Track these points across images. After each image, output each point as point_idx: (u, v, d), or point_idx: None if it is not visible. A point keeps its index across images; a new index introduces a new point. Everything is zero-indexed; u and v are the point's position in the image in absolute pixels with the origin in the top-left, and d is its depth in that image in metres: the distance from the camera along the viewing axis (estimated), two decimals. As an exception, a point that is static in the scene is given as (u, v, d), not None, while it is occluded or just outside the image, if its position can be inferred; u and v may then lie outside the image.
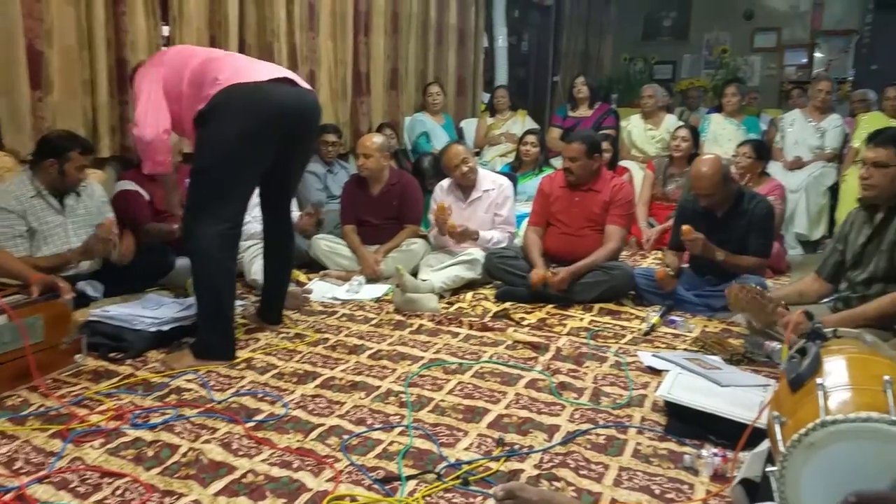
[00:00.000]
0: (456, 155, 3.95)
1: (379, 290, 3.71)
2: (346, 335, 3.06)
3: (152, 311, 2.95)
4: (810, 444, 1.13)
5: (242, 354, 2.77)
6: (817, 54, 8.58)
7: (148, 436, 2.10)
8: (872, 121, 5.03)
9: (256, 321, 3.13)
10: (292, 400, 2.38)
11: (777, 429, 1.23)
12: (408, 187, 4.10)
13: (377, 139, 4.10)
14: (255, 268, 3.31)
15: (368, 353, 2.84)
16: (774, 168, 5.13)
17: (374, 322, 3.25)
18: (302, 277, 3.90)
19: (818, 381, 1.21)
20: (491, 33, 6.92)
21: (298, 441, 2.09)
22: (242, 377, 2.57)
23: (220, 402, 2.34)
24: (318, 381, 2.54)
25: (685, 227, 3.36)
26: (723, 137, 5.51)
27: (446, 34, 6.17)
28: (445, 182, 4.10)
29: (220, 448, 2.03)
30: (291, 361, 2.74)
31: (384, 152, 4.03)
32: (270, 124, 2.65)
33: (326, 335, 3.04)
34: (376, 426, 2.19)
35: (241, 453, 2.01)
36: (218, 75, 2.62)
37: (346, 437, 2.11)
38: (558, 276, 3.46)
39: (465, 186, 4.01)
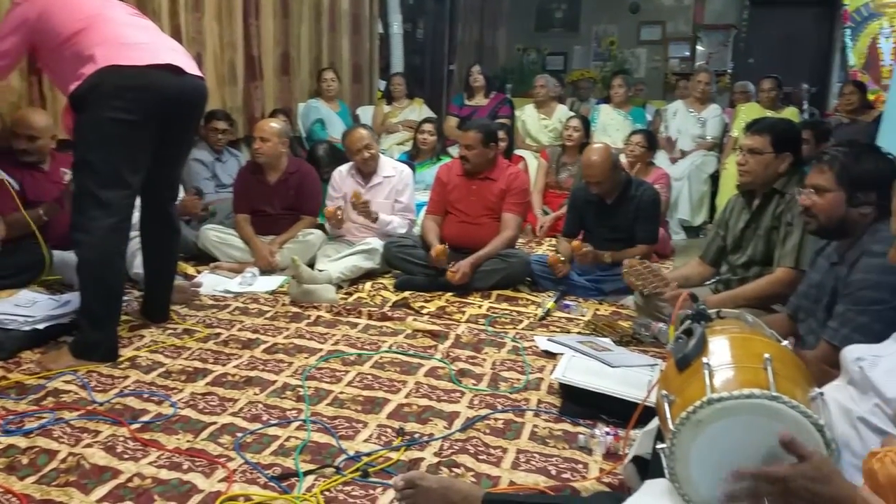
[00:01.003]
0: (360, 139, 3.88)
1: (274, 281, 3.60)
2: (240, 329, 2.95)
3: (26, 308, 2.76)
4: (698, 422, 1.17)
5: (126, 353, 2.62)
6: (699, 48, 9.00)
7: (22, 442, 1.95)
8: (749, 111, 5.34)
9: (140, 318, 2.96)
10: (181, 399, 2.27)
11: (666, 407, 1.27)
12: (307, 177, 3.98)
13: (276, 124, 3.97)
14: (137, 261, 3.12)
15: (263, 347, 2.75)
16: (659, 157, 5.35)
17: (268, 315, 3.15)
18: (190, 270, 3.72)
19: (704, 360, 1.25)
20: (386, 20, 6.84)
21: (188, 441, 1.99)
22: (126, 377, 2.43)
23: (102, 404, 2.20)
24: (208, 379, 2.43)
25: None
26: (611, 127, 5.70)
27: (339, 19, 6.04)
28: (345, 167, 4.03)
29: (104, 452, 1.91)
30: (180, 359, 2.61)
31: (283, 138, 3.90)
32: (150, 113, 2.51)
33: (218, 330, 2.92)
34: (272, 422, 2.13)
35: (126, 457, 1.90)
36: (94, 51, 2.43)
37: (239, 434, 2.03)
38: (459, 273, 3.47)
39: (366, 172, 3.94)
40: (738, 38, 8.81)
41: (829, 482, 1.02)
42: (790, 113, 5.50)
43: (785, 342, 1.41)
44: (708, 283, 2.99)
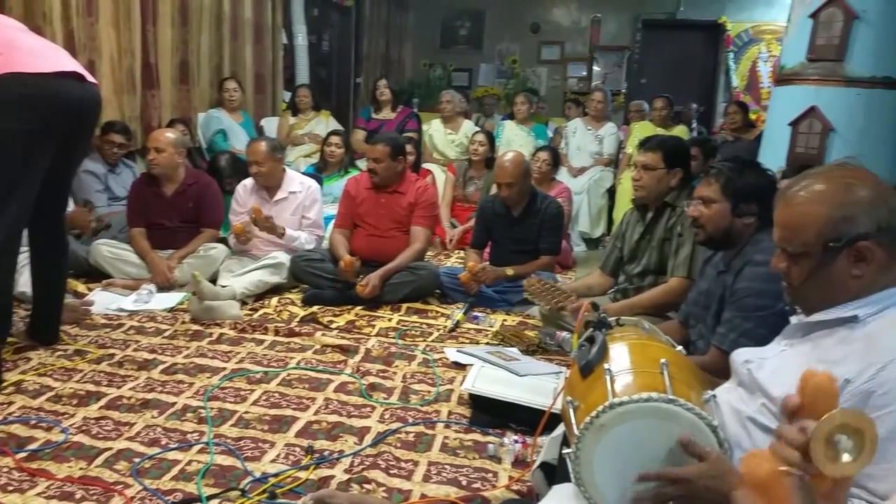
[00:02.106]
0: (251, 152, 3.79)
1: (172, 298, 3.46)
2: (135, 349, 2.81)
3: None
4: (601, 426, 1.21)
5: (10, 377, 2.45)
6: (595, 68, 9.38)
7: None
8: (642, 129, 5.61)
9: (27, 339, 2.78)
10: (73, 424, 2.14)
11: (571, 413, 1.30)
12: (206, 188, 3.86)
13: (171, 134, 3.83)
14: (23, 279, 2.93)
15: (161, 367, 2.64)
16: (560, 172, 5.53)
17: (167, 334, 3.02)
18: (81, 288, 3.53)
19: (605, 366, 1.30)
20: (290, 30, 6.76)
21: (81, 469, 1.89)
22: (10, 402, 2.27)
23: (-18, 433, 2.05)
24: (102, 402, 2.31)
25: (470, 265, 3.54)
26: (515, 143, 5.84)
27: (242, 28, 5.91)
28: (249, 181, 3.92)
29: (-16, 485, 1.77)
30: (71, 382, 2.46)
31: (179, 148, 3.76)
32: (54, 123, 2.38)
33: (111, 350, 2.78)
34: (172, 446, 2.04)
35: (11, 488, 1.77)
36: None
37: (137, 460, 1.94)
38: (369, 286, 3.45)
39: (270, 186, 3.86)
40: (631, 59, 9.24)
41: (726, 479, 1.09)
42: (680, 131, 5.83)
43: (679, 347, 1.49)
44: (608, 292, 3.11)
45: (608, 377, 1.27)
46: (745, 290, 1.97)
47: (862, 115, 3.35)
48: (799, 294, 1.33)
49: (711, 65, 9.28)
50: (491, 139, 5.34)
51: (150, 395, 2.38)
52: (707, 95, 9.17)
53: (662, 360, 1.26)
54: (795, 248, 1.29)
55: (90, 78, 2.56)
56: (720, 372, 1.72)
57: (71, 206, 3.71)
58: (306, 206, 3.89)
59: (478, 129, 5.84)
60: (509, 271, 3.57)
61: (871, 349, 1.17)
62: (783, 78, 3.65)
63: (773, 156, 3.53)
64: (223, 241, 3.93)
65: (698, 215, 2.16)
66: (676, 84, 8.40)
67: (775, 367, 1.33)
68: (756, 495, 0.88)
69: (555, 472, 1.57)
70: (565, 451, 1.25)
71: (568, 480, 1.27)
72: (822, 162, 3.20)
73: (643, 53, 9.24)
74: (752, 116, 6.78)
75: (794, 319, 1.42)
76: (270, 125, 6.07)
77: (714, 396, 1.29)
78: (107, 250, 3.67)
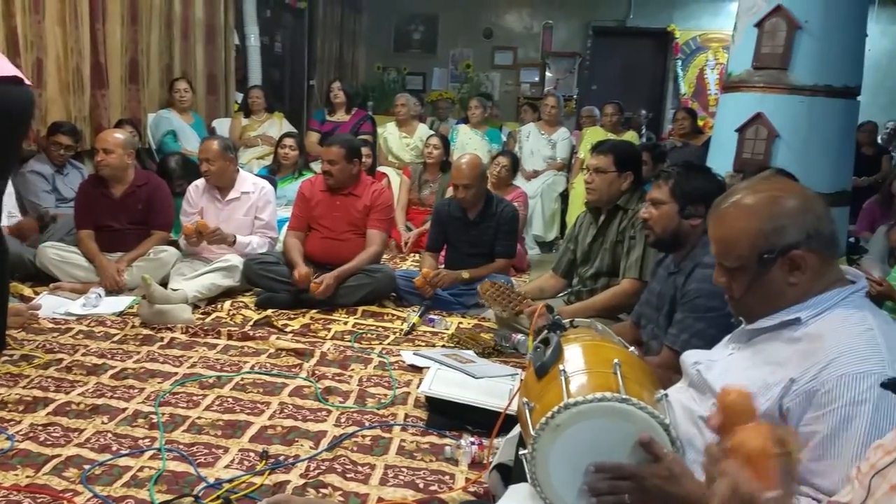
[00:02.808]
0: (203, 150, 3.75)
1: (122, 302, 3.39)
2: (84, 354, 2.75)
3: None
4: (556, 426, 1.23)
5: (-49, 384, 2.37)
6: (548, 73, 9.50)
7: None
8: (594, 135, 5.70)
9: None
10: (19, 431, 2.08)
11: (527, 414, 1.32)
12: (157, 190, 3.79)
13: (119, 134, 3.75)
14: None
15: (111, 372, 2.58)
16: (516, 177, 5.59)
17: (116, 338, 2.96)
18: (27, 291, 3.44)
19: (560, 367, 1.32)
20: (242, 31, 6.67)
21: (28, 477, 1.84)
22: (-48, 411, 2.19)
23: (-79, 443, 1.98)
24: (50, 408, 2.25)
25: (425, 270, 3.56)
26: (469, 146, 5.88)
27: (193, 28, 5.81)
28: (201, 181, 3.86)
29: (-76, 497, 1.71)
30: (17, 388, 2.39)
31: (128, 149, 3.68)
32: (10, 127, 2.33)
33: (59, 355, 2.71)
34: (123, 452, 2.00)
35: (-48, 500, 1.71)
36: None
37: (87, 467, 1.90)
38: (323, 285, 3.43)
39: (222, 186, 3.81)
40: (582, 65, 9.39)
41: (680, 483, 1.12)
42: (630, 136, 5.95)
43: (632, 348, 1.52)
44: (561, 294, 3.16)
45: (563, 378, 1.29)
46: (695, 292, 2.03)
47: (805, 121, 3.47)
48: (741, 305, 1.37)
49: (660, 72, 9.50)
50: (445, 143, 5.36)
51: (99, 401, 2.33)
52: (656, 102, 9.39)
53: (615, 361, 1.29)
54: (731, 262, 1.33)
55: (27, 81, 2.50)
56: (672, 373, 1.76)
57: (16, 210, 3.61)
58: (259, 207, 3.85)
59: (432, 132, 5.86)
60: (465, 274, 3.60)
61: (813, 350, 1.21)
62: (730, 85, 3.76)
63: (720, 161, 3.64)
64: (174, 243, 3.86)
65: (648, 217, 2.22)
66: (626, 90, 8.57)
67: (723, 369, 1.37)
68: (742, 465, 0.91)
69: (511, 473, 1.59)
70: (521, 451, 1.27)
71: (524, 481, 1.29)
72: (769, 166, 3.31)
73: (594, 60, 9.40)
74: (700, 123, 6.97)
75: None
76: (222, 126, 5.98)
77: (666, 396, 1.33)
78: (54, 253, 3.57)
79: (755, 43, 3.54)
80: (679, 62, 9.23)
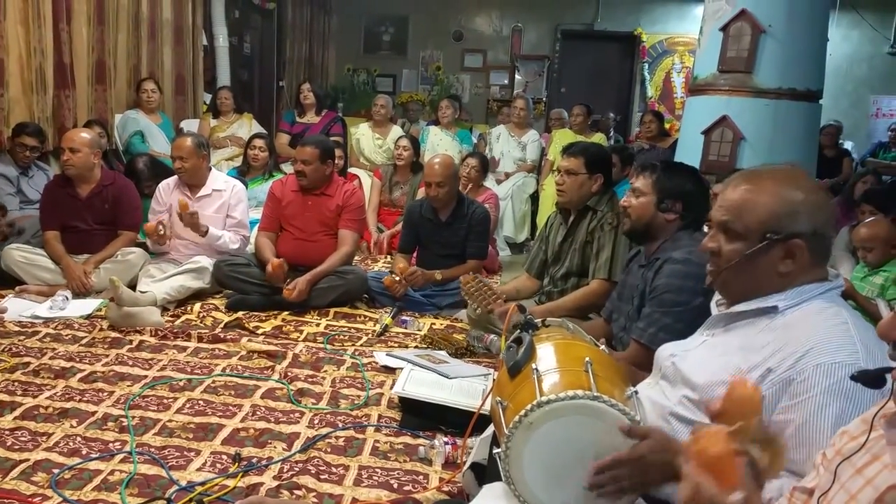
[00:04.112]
0: (176, 147, 3.72)
1: (89, 305, 3.34)
2: (52, 358, 2.70)
3: None
4: (529, 424, 1.24)
5: (-87, 390, 2.32)
6: (517, 76, 9.56)
7: None
8: (563, 137, 5.76)
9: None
10: (-15, 437, 2.05)
11: (500, 413, 1.34)
12: (124, 189, 3.74)
13: (85, 134, 3.69)
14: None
15: (80, 375, 2.55)
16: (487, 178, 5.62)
17: (84, 341, 2.92)
18: (-9, 295, 3.37)
19: (533, 366, 1.34)
20: (211, 32, 6.61)
21: (-5, 483, 1.80)
22: (-86, 417, 2.15)
23: None
24: (17, 412, 2.22)
25: (401, 266, 3.58)
26: (440, 147, 5.90)
27: (160, 28, 5.74)
28: (171, 179, 3.82)
29: None
30: (-18, 393, 2.35)
31: (94, 148, 3.63)
32: None
33: (26, 359, 2.66)
34: (93, 456, 1.98)
35: (-84, 508, 1.68)
36: None
37: (56, 471, 1.88)
38: (296, 290, 3.41)
39: (193, 184, 3.77)
40: (551, 68, 9.46)
41: (674, 449, 1.15)
42: (598, 139, 6.03)
43: (602, 346, 1.55)
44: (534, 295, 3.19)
45: (536, 377, 1.31)
46: (664, 287, 2.07)
47: (770, 124, 3.55)
48: (723, 278, 1.39)
49: (628, 75, 9.61)
50: (416, 144, 5.38)
51: (68, 405, 2.30)
52: (624, 104, 9.50)
53: (587, 359, 1.31)
54: (737, 227, 1.34)
55: None
56: (641, 365, 1.80)
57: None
58: (231, 206, 3.81)
59: (403, 134, 5.87)
60: (438, 275, 3.61)
61: (791, 339, 1.24)
62: (696, 88, 3.83)
63: (687, 163, 3.70)
64: (142, 245, 3.81)
65: (628, 205, 2.27)
66: (595, 93, 8.67)
67: (698, 357, 1.40)
68: (704, 472, 0.93)
69: (485, 472, 1.61)
70: (495, 450, 1.28)
71: (498, 480, 1.30)
72: (735, 169, 3.37)
73: (563, 63, 9.48)
74: (667, 125, 7.07)
75: (714, 310, 1.50)
76: (191, 127, 5.90)
77: (636, 393, 1.35)
78: (19, 255, 3.51)
79: (720, 46, 3.61)
80: (646, 65, 9.36)
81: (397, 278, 3.58)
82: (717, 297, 1.52)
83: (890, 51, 8.52)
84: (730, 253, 1.36)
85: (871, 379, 0.96)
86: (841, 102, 8.43)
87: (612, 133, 7.73)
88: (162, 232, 3.55)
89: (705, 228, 1.48)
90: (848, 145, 7.59)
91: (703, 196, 2.27)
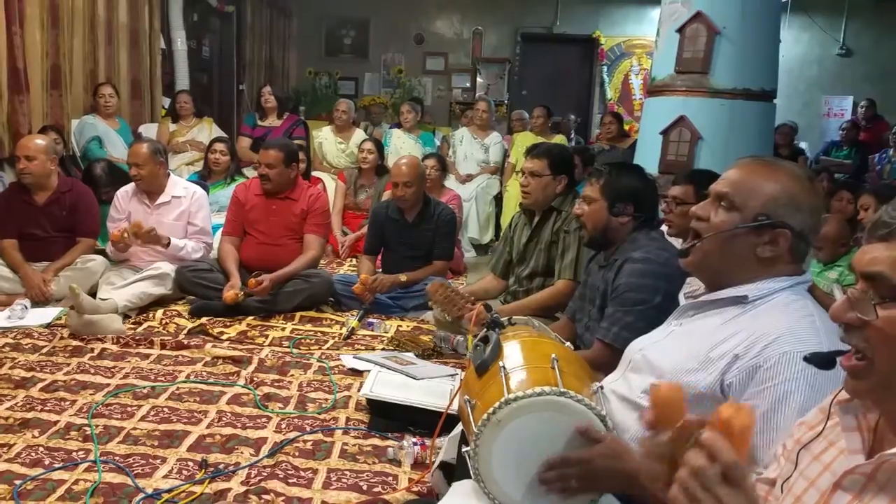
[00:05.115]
0: (132, 154, 3.65)
1: (49, 313, 3.27)
2: (11, 367, 2.65)
3: None
4: (497, 421, 1.26)
5: None
6: (479, 79, 9.61)
7: None
8: (524, 139, 5.83)
9: None
10: (-58, 450, 2.00)
11: (469, 411, 1.35)
12: (82, 196, 3.68)
13: (41, 140, 3.62)
14: None
15: (41, 385, 2.50)
16: (449, 179, 5.65)
17: (45, 350, 2.86)
18: (-53, 305, 3.27)
19: (500, 364, 1.36)
20: (168, 35, 6.51)
21: (-46, 497, 1.76)
22: None
23: None
24: (-24, 425, 2.16)
25: (363, 276, 3.53)
26: (403, 150, 5.91)
27: (117, 32, 5.64)
28: (129, 186, 3.75)
29: None
30: (-63, 405, 2.29)
31: (51, 155, 3.56)
32: None
33: (-16, 370, 2.60)
34: (56, 466, 1.95)
35: None
36: None
37: (18, 482, 1.84)
38: (263, 284, 3.38)
39: (151, 191, 3.71)
40: (512, 71, 9.53)
41: (623, 458, 1.17)
42: (559, 140, 6.10)
43: (567, 343, 1.58)
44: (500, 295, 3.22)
45: (503, 374, 1.32)
46: (625, 286, 2.11)
47: (726, 124, 3.63)
48: (699, 250, 1.40)
49: (587, 77, 9.74)
50: (379, 147, 5.38)
51: (29, 415, 2.25)
52: (584, 106, 9.62)
53: (553, 356, 1.33)
54: (734, 200, 1.36)
55: None
56: (605, 365, 1.83)
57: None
58: (192, 213, 3.75)
59: (366, 137, 5.86)
60: (402, 277, 3.61)
61: (758, 328, 1.28)
62: (654, 89, 3.90)
63: (646, 163, 3.75)
64: (102, 252, 3.74)
65: (581, 213, 2.30)
66: (555, 95, 8.75)
67: (667, 345, 1.44)
68: (727, 441, 0.92)
69: (454, 472, 1.62)
70: (464, 449, 1.29)
71: (467, 478, 1.31)
72: (695, 169, 3.44)
73: (523, 66, 9.55)
74: (626, 126, 7.18)
75: (683, 300, 1.53)
76: (150, 132, 5.81)
77: (601, 388, 1.38)
78: (-26, 265, 3.42)
79: (677, 48, 3.68)
80: (605, 68, 9.49)
81: (369, 278, 3.57)
82: (685, 288, 1.55)
83: (839, 52, 8.79)
84: (719, 223, 1.37)
85: (823, 361, 1.01)
86: (794, 103, 8.65)
87: (572, 135, 7.83)
88: (127, 238, 3.48)
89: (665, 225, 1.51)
90: (803, 145, 7.80)
91: (652, 193, 2.33)
